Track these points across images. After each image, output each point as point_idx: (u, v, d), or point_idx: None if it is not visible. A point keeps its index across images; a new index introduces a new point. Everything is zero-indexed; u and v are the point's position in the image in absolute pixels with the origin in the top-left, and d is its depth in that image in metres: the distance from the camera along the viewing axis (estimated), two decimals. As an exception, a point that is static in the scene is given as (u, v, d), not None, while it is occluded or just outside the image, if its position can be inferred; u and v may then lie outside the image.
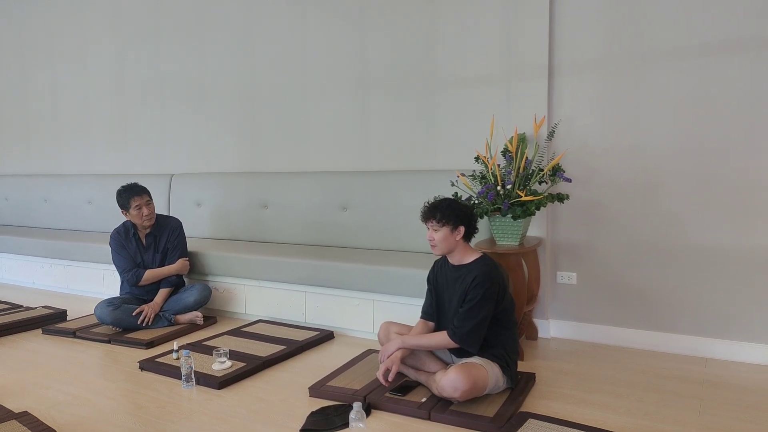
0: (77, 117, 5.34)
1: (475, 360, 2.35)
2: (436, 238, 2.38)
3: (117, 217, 3.67)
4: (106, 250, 3.72)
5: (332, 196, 3.89)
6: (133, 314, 3.37)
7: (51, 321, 3.64)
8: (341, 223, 3.86)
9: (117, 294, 3.72)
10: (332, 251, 3.67)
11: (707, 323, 2.95)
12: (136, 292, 3.58)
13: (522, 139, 3.06)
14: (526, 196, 2.83)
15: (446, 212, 2.35)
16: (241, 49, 4.36)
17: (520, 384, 2.48)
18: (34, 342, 3.32)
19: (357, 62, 3.87)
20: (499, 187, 2.89)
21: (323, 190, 3.93)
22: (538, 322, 3.29)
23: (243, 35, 4.34)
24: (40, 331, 3.50)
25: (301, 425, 2.20)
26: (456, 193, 3.02)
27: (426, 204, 2.44)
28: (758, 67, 2.77)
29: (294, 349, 3.02)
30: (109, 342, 3.25)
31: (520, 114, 3.25)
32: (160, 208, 4.42)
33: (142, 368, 2.83)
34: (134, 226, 3.60)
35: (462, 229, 2.37)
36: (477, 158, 3.07)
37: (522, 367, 2.72)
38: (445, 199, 2.44)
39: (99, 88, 5.16)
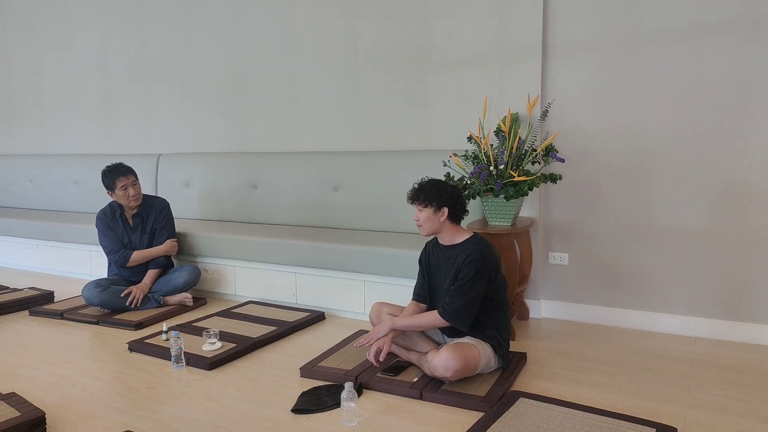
0: (62, 97, 5.23)
1: (467, 340, 2.34)
2: (420, 219, 2.40)
3: (104, 198, 3.61)
4: (93, 231, 3.66)
5: (323, 176, 3.85)
6: (122, 295, 3.33)
7: (38, 302, 3.60)
8: (332, 203, 3.82)
9: (105, 275, 3.68)
10: (323, 232, 3.64)
11: (697, 303, 2.97)
12: (124, 274, 3.54)
13: (515, 119, 3.03)
14: (519, 176, 2.81)
15: (429, 193, 2.36)
16: (229, 27, 4.27)
17: (511, 363, 2.48)
18: (21, 324, 3.28)
19: (347, 41, 3.80)
20: (491, 167, 2.86)
21: (314, 170, 3.89)
22: (530, 303, 3.30)
23: (230, 14, 4.25)
24: (27, 312, 3.46)
25: (293, 405, 2.19)
26: (448, 173, 3.00)
27: (414, 185, 2.43)
28: (751, 47, 2.75)
29: (285, 330, 3.00)
30: (97, 323, 3.22)
31: (514, 94, 3.21)
32: (147, 189, 4.36)
33: (131, 349, 2.80)
34: (120, 206, 3.54)
35: (446, 210, 2.36)
36: (470, 138, 3.04)
37: (514, 347, 2.72)
38: (431, 180, 2.43)
39: (84, 67, 5.04)
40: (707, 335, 2.93)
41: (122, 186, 3.44)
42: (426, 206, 2.37)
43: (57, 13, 5.13)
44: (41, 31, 5.26)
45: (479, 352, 2.30)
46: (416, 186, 2.43)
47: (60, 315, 3.33)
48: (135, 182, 3.51)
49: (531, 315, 3.29)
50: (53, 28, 5.18)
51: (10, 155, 5.62)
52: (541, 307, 3.31)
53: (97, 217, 3.58)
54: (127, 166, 3.53)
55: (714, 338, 2.91)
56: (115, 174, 3.45)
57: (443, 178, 2.71)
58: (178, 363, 2.55)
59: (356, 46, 3.77)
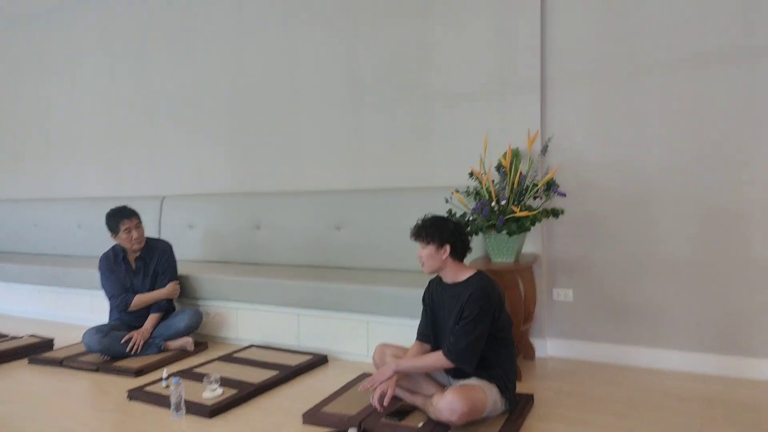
0: (67, 140, 5.29)
1: (473, 381, 2.29)
2: (423, 256, 2.38)
3: (107, 241, 3.60)
4: (95, 275, 3.64)
5: (326, 215, 3.84)
6: (122, 341, 3.29)
7: (37, 350, 3.55)
8: (335, 242, 3.81)
9: (106, 320, 3.64)
10: (326, 272, 3.61)
11: (706, 339, 2.90)
12: (125, 318, 3.50)
13: (515, 154, 3.03)
14: (520, 211, 2.79)
15: (431, 230, 2.35)
16: (232, 68, 4.35)
17: (518, 406, 2.42)
18: (21, 372, 3.23)
19: (348, 79, 3.85)
20: (493, 203, 2.85)
21: (316, 209, 3.89)
22: (535, 342, 3.24)
23: (233, 54, 4.33)
24: (26, 361, 3.41)
25: (295, 454, 2.12)
26: (450, 210, 2.99)
27: (417, 222, 2.42)
28: (750, 75, 2.77)
29: (287, 375, 2.95)
30: (97, 371, 3.17)
31: (514, 129, 3.23)
32: (151, 231, 4.36)
33: (130, 398, 2.75)
34: (123, 249, 3.53)
35: (447, 247, 2.34)
36: (471, 174, 3.04)
37: (520, 388, 2.66)
38: (433, 217, 2.42)
39: (88, 110, 5.12)
40: (718, 372, 2.86)
41: (126, 229, 3.44)
42: (428, 243, 2.36)
43: (62, 55, 5.25)
44: (47, 74, 5.37)
45: (486, 394, 2.24)
46: (419, 223, 2.42)
47: (59, 362, 3.28)
48: (138, 225, 3.51)
49: (537, 354, 3.22)
50: (59, 71, 5.28)
51: (15, 200, 5.66)
52: (547, 346, 3.25)
53: (99, 261, 3.57)
54: (130, 208, 3.54)
55: (725, 375, 2.84)
56: (119, 217, 3.46)
57: (446, 215, 2.70)
58: (178, 411, 2.49)
59: (357, 85, 3.82)
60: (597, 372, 2.95)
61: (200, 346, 3.53)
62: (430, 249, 2.36)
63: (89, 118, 5.13)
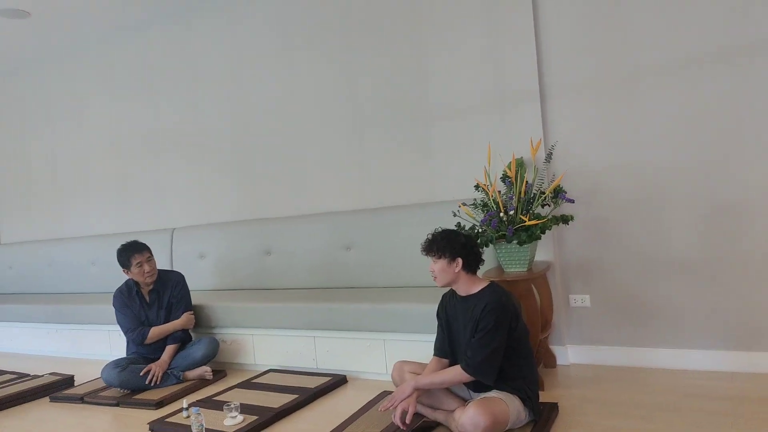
0: (76, 179, 5.37)
1: (494, 394, 2.27)
2: (435, 270, 2.38)
3: (121, 276, 3.63)
4: (111, 311, 3.67)
5: (335, 236, 3.86)
6: (141, 374, 3.30)
7: (58, 388, 3.56)
8: (346, 263, 3.81)
9: (123, 355, 3.66)
10: (339, 293, 3.61)
11: (728, 336, 2.86)
12: (142, 351, 3.51)
13: (520, 164, 3.04)
14: (530, 220, 2.79)
15: (441, 244, 2.35)
16: (234, 98, 4.41)
17: (543, 415, 2.39)
18: (42, 411, 3.24)
19: (349, 102, 3.90)
20: (501, 214, 2.85)
21: (325, 231, 3.90)
22: (556, 349, 3.20)
23: (233, 84, 4.40)
24: (47, 399, 3.42)
25: (319, 478, 2.11)
26: (459, 223, 2.99)
27: (428, 236, 2.42)
28: (746, 72, 2.77)
29: (307, 398, 2.93)
30: (117, 405, 3.17)
31: (516, 139, 3.24)
32: (162, 263, 4.39)
33: (152, 430, 2.74)
34: (137, 284, 3.56)
35: (459, 260, 2.34)
36: (477, 186, 3.05)
37: (543, 397, 2.63)
38: (444, 231, 2.42)
39: (96, 148, 5.21)
40: (743, 369, 2.81)
41: (137, 263, 3.47)
42: (440, 258, 2.36)
43: (68, 97, 5.35)
44: (54, 116, 5.47)
45: (508, 406, 2.21)
46: (429, 237, 2.42)
47: (81, 399, 3.29)
48: (150, 258, 3.54)
49: (558, 362, 3.19)
50: (65, 112, 5.38)
51: (29, 242, 5.73)
52: (568, 353, 3.22)
53: (113, 296, 3.59)
54: (141, 243, 3.57)
55: (750, 371, 2.79)
56: (130, 252, 3.49)
57: (456, 228, 2.70)
58: (199, 441, 2.48)
59: (358, 106, 3.86)
60: (620, 376, 2.92)
61: (219, 374, 3.52)
62: (441, 263, 2.36)
63: (96, 158, 5.21)
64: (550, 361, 3.16)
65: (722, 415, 2.33)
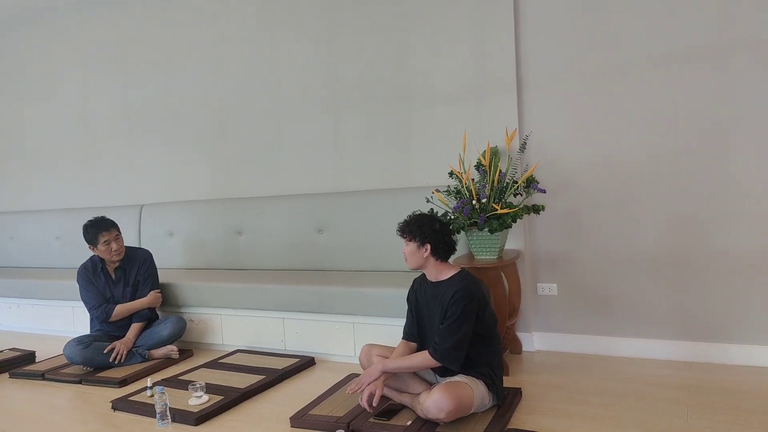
0: (44, 151, 5.21)
1: (460, 378, 2.30)
2: (405, 252, 2.41)
3: (86, 252, 3.55)
4: (75, 286, 3.58)
5: (308, 218, 3.83)
6: (105, 352, 3.24)
7: (19, 364, 3.49)
8: (318, 245, 3.80)
9: (87, 332, 3.59)
10: (310, 275, 3.60)
11: (687, 328, 2.95)
12: (107, 329, 3.45)
13: (494, 153, 3.06)
14: (501, 209, 2.81)
15: (414, 228, 2.38)
16: (209, 74, 4.32)
17: (506, 400, 2.43)
18: (2, 386, 3.17)
19: (327, 83, 3.85)
20: (474, 201, 2.87)
21: (298, 213, 3.88)
22: (522, 336, 3.26)
23: (210, 61, 4.30)
24: (7, 375, 3.35)
25: (283, 458, 2.11)
26: (432, 209, 2.99)
27: (406, 218, 2.44)
28: (723, 71, 2.81)
29: (274, 379, 2.93)
30: (80, 382, 3.12)
31: (492, 128, 3.25)
32: (130, 240, 4.31)
33: (114, 408, 2.71)
34: (102, 260, 3.48)
35: (428, 246, 2.35)
36: (451, 173, 3.05)
37: (508, 382, 2.67)
38: (421, 215, 2.43)
39: (65, 120, 5.05)
40: (700, 359, 2.90)
41: (105, 241, 3.39)
42: (410, 240, 2.38)
43: (38, 67, 5.17)
44: (23, 86, 5.29)
45: (473, 390, 2.25)
46: (407, 219, 2.43)
47: (41, 376, 3.23)
48: (118, 236, 3.46)
49: (524, 348, 3.25)
50: (35, 82, 5.21)
51: (-10, 213, 5.56)
52: (534, 340, 3.28)
53: (77, 272, 3.51)
54: (109, 220, 3.49)
55: (706, 362, 2.89)
56: (98, 229, 3.40)
57: (435, 214, 2.70)
58: (163, 420, 2.46)
59: (336, 88, 3.82)
60: (583, 364, 2.98)
61: (185, 353, 3.49)
62: (411, 246, 2.38)
63: (65, 130, 5.06)
64: (516, 347, 3.22)
65: (678, 403, 2.41)
